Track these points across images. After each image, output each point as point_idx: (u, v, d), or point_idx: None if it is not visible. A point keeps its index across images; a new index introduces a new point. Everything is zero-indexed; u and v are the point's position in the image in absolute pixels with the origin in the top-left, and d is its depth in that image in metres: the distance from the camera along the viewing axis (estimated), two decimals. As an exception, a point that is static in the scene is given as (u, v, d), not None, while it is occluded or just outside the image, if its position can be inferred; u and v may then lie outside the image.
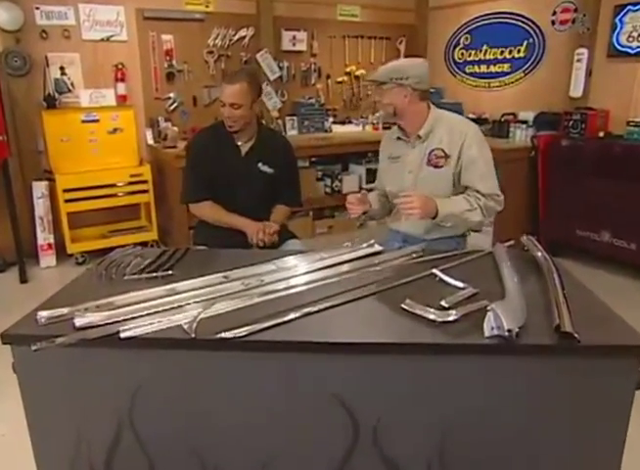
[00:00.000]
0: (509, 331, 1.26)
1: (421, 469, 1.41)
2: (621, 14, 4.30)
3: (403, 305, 1.46)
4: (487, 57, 5.55)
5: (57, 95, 4.39)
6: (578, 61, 4.58)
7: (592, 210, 4.21)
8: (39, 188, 4.41)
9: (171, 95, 4.98)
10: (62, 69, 4.45)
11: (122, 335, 1.33)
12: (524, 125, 4.93)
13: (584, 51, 4.53)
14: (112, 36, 4.61)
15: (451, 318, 1.38)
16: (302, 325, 1.41)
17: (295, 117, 5.59)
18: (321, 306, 1.49)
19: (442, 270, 1.71)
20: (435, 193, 2.22)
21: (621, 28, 4.33)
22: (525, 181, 4.65)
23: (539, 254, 1.80)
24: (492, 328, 1.30)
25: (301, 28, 5.52)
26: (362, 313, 1.51)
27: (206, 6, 5.01)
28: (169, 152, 4.44)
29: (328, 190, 5.38)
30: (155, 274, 1.77)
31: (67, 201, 4.27)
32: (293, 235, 2.75)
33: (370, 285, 1.64)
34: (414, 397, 1.37)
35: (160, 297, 1.55)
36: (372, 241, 1.99)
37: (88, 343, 1.32)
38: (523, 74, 5.27)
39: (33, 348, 1.24)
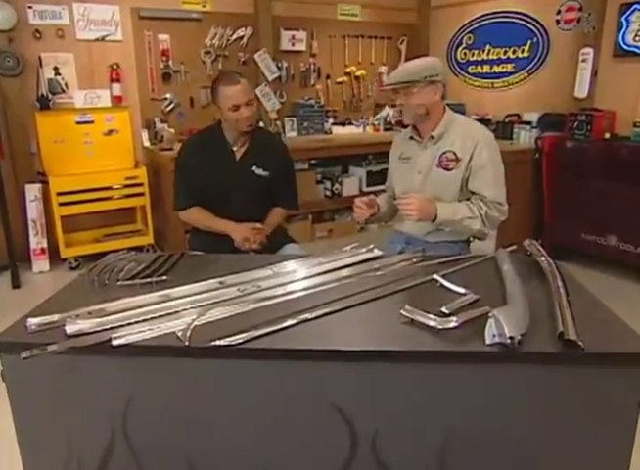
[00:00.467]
0: (511, 338, 1.26)
1: (421, 480, 1.41)
2: (628, 12, 4.30)
3: (403, 312, 1.45)
4: (491, 57, 5.56)
5: (50, 96, 4.40)
6: (584, 61, 4.58)
7: (598, 213, 4.20)
8: (32, 191, 4.41)
9: (168, 96, 4.99)
10: (55, 69, 4.45)
11: (114, 342, 1.33)
12: (528, 127, 4.93)
13: (590, 50, 4.54)
14: (107, 36, 4.61)
15: (452, 325, 1.38)
16: (300, 332, 1.41)
17: (294, 119, 5.59)
18: (319, 313, 1.48)
19: (443, 276, 1.71)
20: (442, 195, 2.24)
21: (628, 27, 4.32)
22: (530, 184, 4.65)
23: (542, 258, 1.80)
24: (494, 335, 1.30)
25: (301, 28, 5.52)
26: (361, 320, 1.51)
27: (204, 5, 5.02)
28: (166, 154, 4.43)
29: (328, 193, 5.38)
30: (149, 280, 1.77)
31: (60, 204, 4.26)
32: (291, 239, 2.75)
33: (369, 291, 1.63)
34: (413, 405, 1.36)
35: (154, 303, 1.55)
36: (371, 245, 1.99)
37: (79, 351, 1.31)
38: (527, 75, 5.27)
39: (22, 356, 1.24)
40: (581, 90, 4.62)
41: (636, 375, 1.31)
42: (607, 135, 4.29)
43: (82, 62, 4.56)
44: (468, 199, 2.26)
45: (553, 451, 1.37)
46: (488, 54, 5.58)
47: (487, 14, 5.52)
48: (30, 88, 4.36)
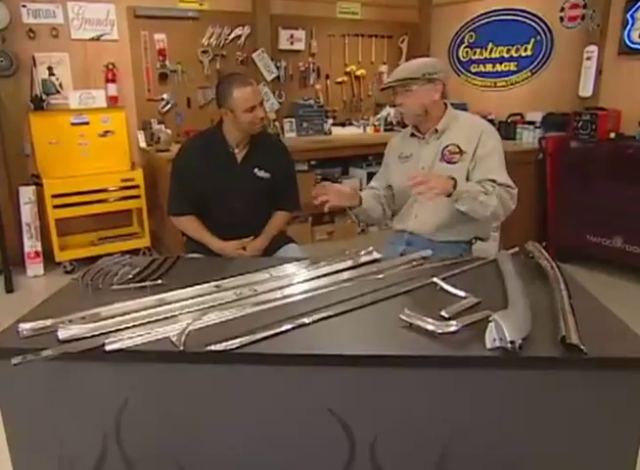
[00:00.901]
0: (511, 343, 1.26)
1: (421, 487, 1.41)
2: (633, 9, 4.30)
3: (402, 316, 1.45)
4: (493, 55, 5.56)
5: (45, 96, 4.40)
6: (588, 59, 4.57)
7: (603, 214, 4.20)
8: (26, 193, 4.41)
9: (164, 96, 4.99)
10: (50, 69, 4.46)
11: (108, 347, 1.33)
12: (531, 126, 4.94)
13: (594, 48, 4.53)
14: (102, 35, 4.62)
15: (451, 329, 1.38)
16: (297, 337, 1.41)
17: (293, 119, 5.60)
18: (316, 317, 1.49)
19: (444, 279, 1.71)
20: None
21: (633, 25, 4.32)
22: (533, 185, 4.64)
23: (545, 261, 1.80)
24: (494, 339, 1.30)
25: (299, 27, 5.53)
26: (359, 324, 1.51)
27: (201, 4, 5.03)
28: (162, 155, 4.44)
29: (328, 195, 5.37)
30: (143, 284, 1.78)
31: (55, 207, 4.27)
32: (291, 240, 2.75)
33: (368, 294, 1.64)
34: (412, 411, 1.36)
35: (149, 307, 1.55)
36: (370, 248, 1.99)
37: (72, 356, 1.32)
38: (530, 74, 5.28)
39: (14, 361, 1.24)
40: (586, 89, 4.62)
41: (640, 380, 1.31)
42: (612, 135, 4.29)
43: (77, 62, 4.57)
44: None
45: (555, 458, 1.37)
46: (491, 52, 5.58)
47: (490, 11, 5.53)
48: (24, 89, 4.37)
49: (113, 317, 1.48)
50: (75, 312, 1.49)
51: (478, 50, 5.72)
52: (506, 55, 5.45)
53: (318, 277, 1.78)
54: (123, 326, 1.44)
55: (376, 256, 1.96)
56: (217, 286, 1.71)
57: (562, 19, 4.91)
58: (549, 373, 1.32)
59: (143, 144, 4.88)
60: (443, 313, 1.46)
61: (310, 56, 5.71)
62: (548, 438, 1.35)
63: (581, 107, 4.55)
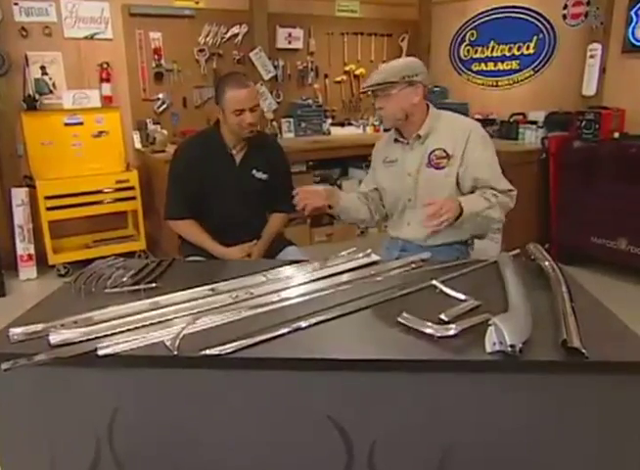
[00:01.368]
0: (512, 346, 1.26)
1: (420, 494, 1.41)
2: (637, 6, 4.31)
3: (400, 319, 1.45)
4: (495, 54, 5.58)
5: (37, 96, 4.40)
6: (591, 57, 4.58)
7: (607, 215, 4.20)
8: (19, 195, 4.41)
9: (160, 96, 5.00)
10: (42, 68, 4.47)
11: (100, 352, 1.33)
12: (533, 126, 4.93)
13: (598, 46, 4.54)
14: (96, 34, 4.64)
15: (451, 333, 1.38)
16: (293, 341, 1.41)
17: (291, 119, 5.61)
18: (313, 321, 1.49)
19: (443, 281, 1.71)
20: (438, 196, 2.24)
21: (637, 22, 4.33)
22: (536, 185, 4.65)
23: (547, 263, 1.80)
24: (494, 343, 1.30)
25: (297, 25, 5.55)
26: (356, 328, 1.51)
27: (197, 2, 5.04)
28: (158, 156, 4.45)
29: (326, 196, 5.37)
30: (137, 287, 1.78)
31: (48, 208, 4.27)
32: (290, 242, 2.75)
33: (366, 297, 1.64)
34: (411, 417, 1.36)
35: (143, 311, 1.55)
36: (369, 250, 1.99)
37: (64, 361, 1.32)
38: (532, 72, 5.29)
39: (4, 367, 1.24)
40: (589, 88, 4.63)
41: (643, 384, 1.31)
42: (616, 134, 4.29)
43: (71, 61, 4.58)
44: (472, 192, 2.25)
45: (556, 463, 1.37)
46: (492, 51, 5.60)
47: (491, 9, 5.55)
48: (16, 88, 4.37)
49: (105, 321, 1.48)
50: (68, 316, 1.49)
51: (479, 48, 5.73)
52: (508, 53, 5.46)
53: (315, 280, 1.78)
54: (116, 330, 1.43)
55: (374, 258, 1.96)
56: (212, 289, 1.71)
57: (565, 16, 4.92)
58: (550, 377, 1.32)
59: (138, 145, 4.89)
60: (442, 317, 1.46)
61: (309, 55, 5.72)
62: (549, 443, 1.35)
63: (585, 106, 4.55)
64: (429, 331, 1.39)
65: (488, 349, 1.31)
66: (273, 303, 1.60)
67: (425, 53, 6.11)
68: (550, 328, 1.41)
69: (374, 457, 1.37)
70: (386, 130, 5.63)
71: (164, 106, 5.03)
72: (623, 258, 4.15)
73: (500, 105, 5.48)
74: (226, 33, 5.20)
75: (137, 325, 1.46)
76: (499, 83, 5.61)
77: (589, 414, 1.34)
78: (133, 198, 4.58)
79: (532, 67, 5.27)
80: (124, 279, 1.81)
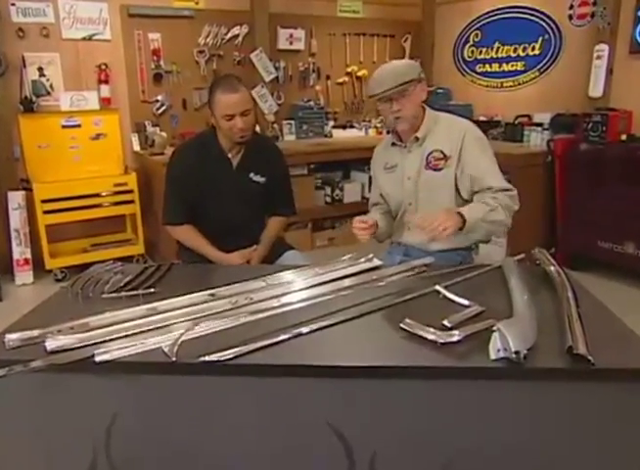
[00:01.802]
0: (516, 353, 1.26)
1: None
2: (644, 7, 4.32)
3: (402, 325, 1.46)
4: (500, 55, 5.58)
5: (35, 98, 4.42)
6: (598, 58, 4.57)
7: (615, 219, 4.19)
8: (15, 198, 4.41)
9: (159, 98, 5.02)
10: (40, 69, 4.49)
11: (97, 359, 1.33)
12: (539, 128, 4.93)
13: (604, 47, 4.54)
14: (94, 35, 4.65)
15: (454, 339, 1.38)
16: (294, 347, 1.41)
17: (292, 122, 5.62)
18: (314, 327, 1.49)
19: (446, 287, 1.71)
20: (437, 198, 2.26)
21: (644, 23, 4.34)
22: (542, 189, 4.65)
23: (552, 268, 1.81)
24: (498, 350, 1.30)
25: (299, 26, 5.57)
26: (358, 334, 1.51)
27: (196, 2, 5.06)
28: (157, 159, 4.46)
29: (328, 199, 5.40)
30: (135, 292, 1.78)
31: (45, 212, 4.27)
32: (290, 247, 2.75)
33: (367, 303, 1.64)
34: (413, 425, 1.36)
35: (141, 317, 1.56)
36: (371, 255, 1.99)
37: (60, 368, 1.32)
38: (538, 73, 5.29)
39: (-1, 373, 1.25)
40: (596, 89, 4.62)
41: (650, 391, 1.31)
42: (623, 136, 4.27)
43: (68, 62, 4.59)
44: (471, 200, 2.26)
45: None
46: (497, 52, 5.60)
47: (496, 9, 5.55)
48: (13, 90, 4.39)
49: (103, 327, 1.48)
50: (64, 322, 1.50)
51: (483, 49, 5.74)
52: (513, 54, 5.46)
53: (316, 285, 1.78)
54: (114, 336, 1.44)
55: (376, 263, 1.96)
56: (212, 294, 1.71)
57: (571, 17, 4.92)
58: (555, 385, 1.32)
59: (137, 147, 4.90)
60: (446, 323, 1.46)
61: (310, 56, 5.73)
62: (554, 450, 1.35)
63: (591, 107, 4.55)
64: (432, 337, 1.39)
65: (492, 355, 1.31)
66: (273, 308, 1.60)
67: (428, 54, 6.12)
68: (555, 334, 1.41)
69: (375, 465, 1.37)
70: (388, 133, 5.62)
71: (164, 108, 5.04)
72: (631, 263, 4.14)
73: (505, 106, 5.48)
74: (226, 34, 5.22)
75: (135, 331, 1.47)
76: (504, 85, 5.61)
77: (595, 422, 1.34)
78: (131, 201, 4.58)
79: (538, 68, 5.27)
80: (122, 284, 1.82)
